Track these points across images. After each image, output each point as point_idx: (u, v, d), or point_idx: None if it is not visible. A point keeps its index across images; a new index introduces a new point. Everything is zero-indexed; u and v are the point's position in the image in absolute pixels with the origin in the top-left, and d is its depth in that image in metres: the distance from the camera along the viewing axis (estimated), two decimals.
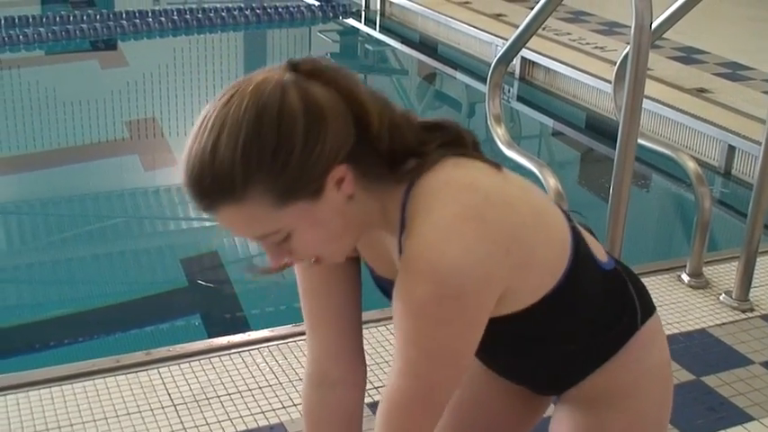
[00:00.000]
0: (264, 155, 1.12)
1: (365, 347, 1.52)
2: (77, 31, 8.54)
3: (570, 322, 1.38)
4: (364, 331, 1.52)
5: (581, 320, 1.39)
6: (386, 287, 1.38)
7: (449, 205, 1.19)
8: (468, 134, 1.30)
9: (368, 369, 1.54)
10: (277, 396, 2.46)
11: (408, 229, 1.21)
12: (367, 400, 1.58)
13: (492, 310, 1.24)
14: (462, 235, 1.17)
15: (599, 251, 1.42)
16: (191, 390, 2.47)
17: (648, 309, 1.46)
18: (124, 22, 8.86)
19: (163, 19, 9.00)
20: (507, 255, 1.21)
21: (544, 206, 1.33)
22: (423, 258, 1.17)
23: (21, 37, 8.33)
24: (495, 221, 1.20)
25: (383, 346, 2.69)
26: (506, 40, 2.97)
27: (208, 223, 5.09)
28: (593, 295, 1.38)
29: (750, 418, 2.45)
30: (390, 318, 2.80)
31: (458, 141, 1.28)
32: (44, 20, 8.81)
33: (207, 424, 2.33)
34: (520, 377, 1.54)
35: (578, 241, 1.34)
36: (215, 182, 1.13)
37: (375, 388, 2.42)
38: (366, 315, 1.50)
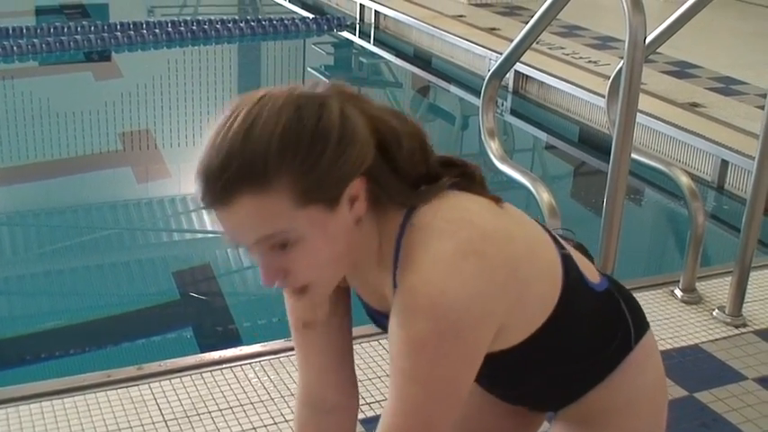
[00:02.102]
0: (300, 146, 1.11)
1: (357, 362, 1.51)
2: (71, 43, 8.53)
3: (563, 350, 1.37)
4: (355, 346, 1.51)
5: (574, 346, 1.38)
6: (378, 319, 1.37)
7: (447, 240, 1.18)
8: (477, 171, 1.30)
9: (359, 384, 1.53)
10: (268, 412, 2.45)
11: (404, 263, 1.20)
12: (359, 415, 1.58)
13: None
14: (461, 270, 1.16)
15: (591, 273, 1.42)
16: (182, 405, 2.46)
17: (642, 327, 1.46)
18: (118, 33, 8.85)
19: (157, 31, 9.00)
20: (505, 290, 1.21)
21: (537, 239, 1.33)
22: (422, 294, 1.16)
23: (15, 48, 8.32)
24: (493, 257, 1.20)
25: (375, 360, 2.68)
26: (500, 53, 2.98)
27: (200, 236, 5.08)
28: (586, 320, 1.38)
29: None
30: (381, 333, 2.78)
31: (467, 176, 1.28)
32: (38, 31, 8.80)
33: None
34: (515, 400, 1.54)
35: (569, 269, 1.34)
36: (244, 165, 1.10)
37: (367, 404, 2.41)
38: (357, 330, 1.49)
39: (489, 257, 1.19)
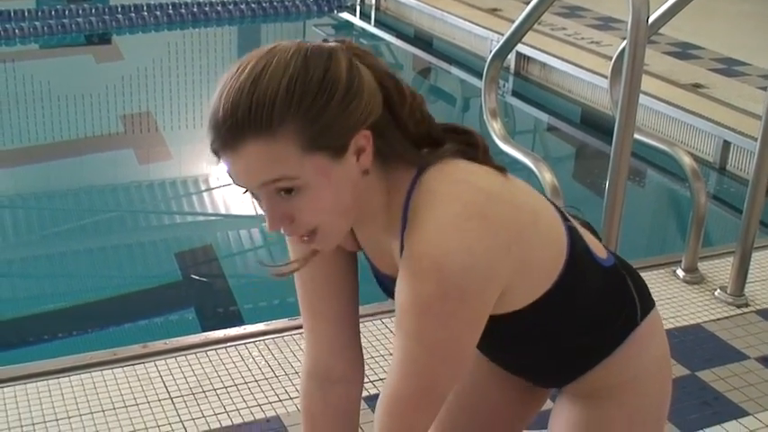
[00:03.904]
0: (307, 94, 1.13)
1: (362, 340, 1.52)
2: (73, 26, 8.52)
3: (569, 320, 1.38)
4: (360, 325, 1.52)
5: (580, 318, 1.39)
6: (386, 283, 1.38)
7: (452, 203, 1.20)
8: (481, 140, 1.32)
9: (365, 363, 1.55)
10: (273, 389, 2.47)
11: (411, 226, 1.21)
12: (363, 393, 1.59)
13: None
14: (465, 233, 1.18)
15: (598, 248, 1.43)
16: (187, 383, 2.48)
17: (648, 304, 1.47)
18: (119, 16, 8.84)
19: (158, 13, 8.99)
20: (508, 253, 1.22)
21: (542, 208, 1.34)
22: (426, 257, 1.17)
23: (16, 31, 8.31)
24: (497, 220, 1.21)
25: (379, 340, 2.70)
26: (501, 34, 2.98)
27: (202, 218, 5.09)
28: (592, 293, 1.39)
29: (745, 413, 2.46)
30: (385, 312, 2.80)
31: (472, 144, 1.29)
32: (40, 14, 8.79)
33: (203, 417, 2.34)
34: (520, 371, 1.55)
35: (575, 241, 1.35)
36: (252, 112, 1.12)
37: (371, 382, 2.43)
38: (362, 309, 1.50)
39: (493, 219, 1.20)
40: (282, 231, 1.23)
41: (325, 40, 1.22)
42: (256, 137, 1.13)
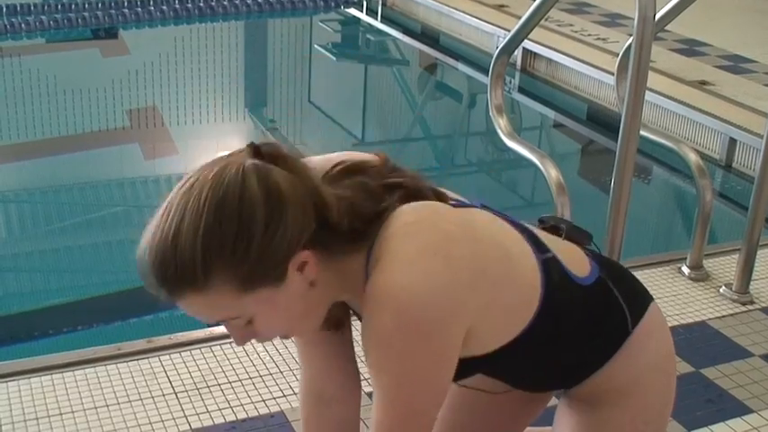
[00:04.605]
0: (225, 244, 1.14)
1: (358, 353, 1.52)
2: (79, 20, 8.53)
3: (554, 345, 1.38)
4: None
5: (565, 341, 1.39)
6: None
7: (411, 242, 1.20)
8: (428, 187, 1.30)
9: (363, 376, 1.54)
10: (277, 384, 2.47)
11: (372, 272, 1.21)
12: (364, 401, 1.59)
13: (461, 350, 1.24)
14: (424, 268, 1.18)
15: (579, 266, 1.41)
16: (191, 377, 2.48)
17: (639, 310, 1.45)
18: (126, 10, 8.84)
19: (164, 8, 8.99)
20: (472, 289, 1.22)
21: (512, 247, 1.32)
22: (384, 291, 1.18)
23: (23, 25, 8.32)
24: (460, 257, 1.21)
25: None
26: (508, 31, 2.97)
27: None
28: (575, 317, 1.38)
29: (749, 411, 2.45)
30: None
31: (417, 195, 1.27)
32: (46, 8, 8.79)
33: (207, 411, 2.34)
34: (514, 387, 1.54)
35: (551, 272, 1.34)
36: (177, 271, 1.14)
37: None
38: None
39: (454, 257, 1.20)
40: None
41: (239, 151, 1.19)
42: (192, 291, 1.16)
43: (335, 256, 1.23)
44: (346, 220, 1.21)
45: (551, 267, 1.34)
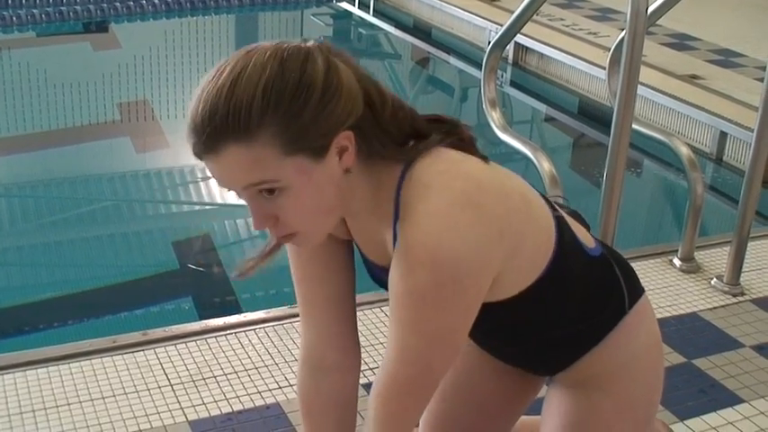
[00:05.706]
0: (284, 96, 1.14)
1: (359, 329, 1.54)
2: (71, 13, 8.51)
3: (557, 310, 1.40)
4: (358, 313, 1.53)
5: (568, 307, 1.41)
6: (378, 274, 1.40)
7: (444, 193, 1.21)
8: (466, 129, 1.33)
9: (362, 350, 1.56)
10: (273, 376, 2.48)
11: (403, 217, 1.22)
12: (361, 380, 1.61)
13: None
14: (458, 222, 1.19)
15: (586, 237, 1.45)
16: (187, 370, 2.49)
17: (636, 293, 1.49)
18: (117, 4, 8.82)
19: (156, 1, 8.97)
20: (501, 240, 1.24)
21: (531, 196, 1.36)
22: (420, 246, 1.19)
23: (14, 18, 8.30)
24: (488, 207, 1.22)
25: (378, 327, 2.71)
26: (500, 25, 2.99)
27: (199, 207, 5.10)
28: (580, 282, 1.41)
29: (740, 401, 2.47)
30: (384, 300, 2.80)
31: (456, 134, 1.31)
32: (37, 1, 8.76)
33: (203, 403, 2.35)
34: (510, 359, 1.57)
35: (563, 231, 1.37)
36: (229, 117, 1.13)
37: (370, 369, 2.44)
38: (360, 297, 1.51)
39: (485, 208, 1.22)
40: (268, 231, 1.26)
41: (304, 41, 1.22)
42: (236, 141, 1.14)
43: (372, 157, 1.24)
44: (392, 117, 1.24)
45: (563, 226, 1.38)
